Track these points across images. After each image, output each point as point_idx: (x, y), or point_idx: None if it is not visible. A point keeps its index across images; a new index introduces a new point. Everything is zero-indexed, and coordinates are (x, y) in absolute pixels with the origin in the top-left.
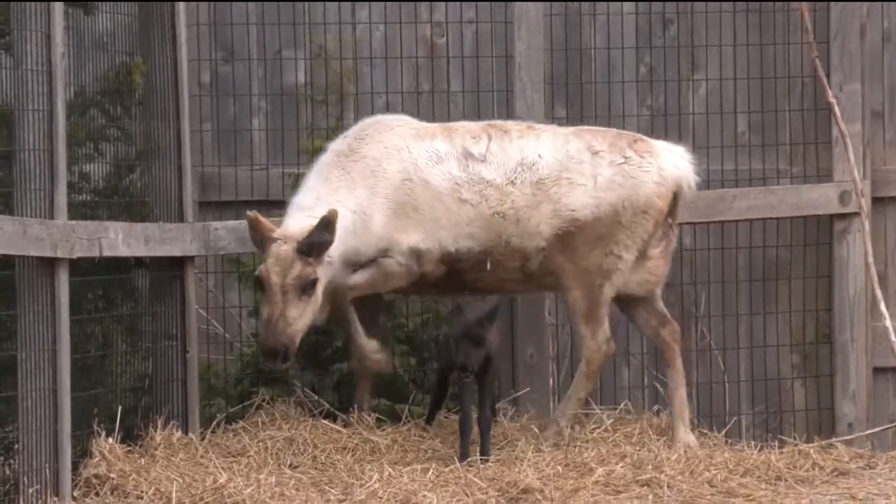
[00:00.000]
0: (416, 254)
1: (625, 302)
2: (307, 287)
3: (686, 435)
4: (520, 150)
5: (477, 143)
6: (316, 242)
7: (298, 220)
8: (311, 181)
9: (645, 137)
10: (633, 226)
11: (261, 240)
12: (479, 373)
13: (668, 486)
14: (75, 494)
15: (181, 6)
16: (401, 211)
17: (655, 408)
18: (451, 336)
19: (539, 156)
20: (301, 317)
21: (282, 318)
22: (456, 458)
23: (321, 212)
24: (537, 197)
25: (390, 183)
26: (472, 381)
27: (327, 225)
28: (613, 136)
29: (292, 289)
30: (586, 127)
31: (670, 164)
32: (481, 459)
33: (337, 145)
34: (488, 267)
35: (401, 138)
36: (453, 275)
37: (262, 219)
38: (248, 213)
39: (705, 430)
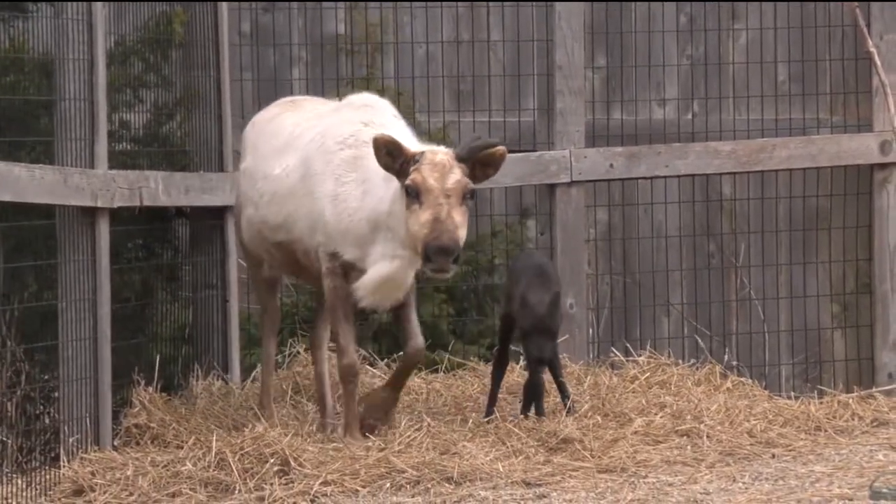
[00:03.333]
0: None
1: None
2: (466, 196)
3: None
4: None
5: None
6: (476, 147)
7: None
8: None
9: None
10: None
11: (401, 161)
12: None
13: (708, 437)
14: (116, 443)
15: None
16: None
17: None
18: (522, 329)
19: None
20: (463, 225)
21: (449, 218)
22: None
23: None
24: None
25: None
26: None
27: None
28: None
29: (454, 193)
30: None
31: None
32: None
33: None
34: None
35: None
36: None
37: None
38: (379, 135)
39: (745, 380)
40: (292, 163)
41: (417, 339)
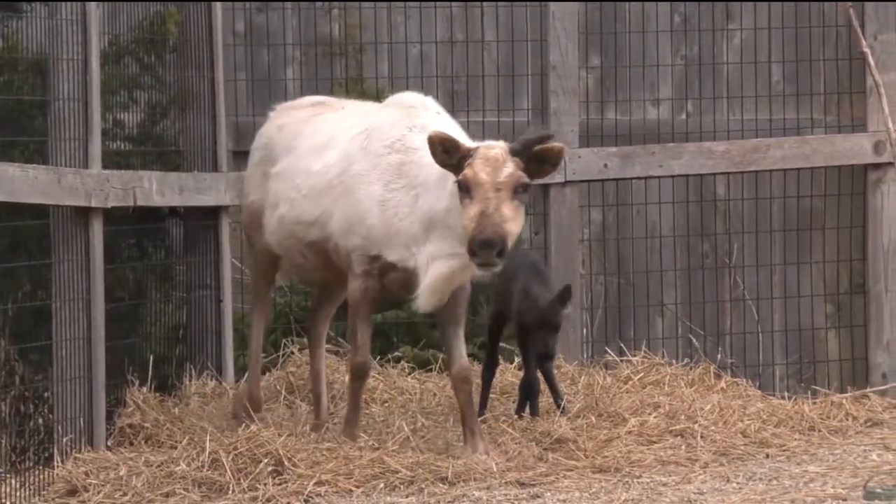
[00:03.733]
0: None
1: None
2: (519, 189)
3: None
4: None
5: None
6: (530, 141)
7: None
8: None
9: None
10: None
11: (458, 157)
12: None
13: (702, 437)
14: (109, 444)
15: None
16: None
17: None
18: (524, 324)
19: None
20: (514, 219)
21: (497, 212)
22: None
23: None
24: None
25: None
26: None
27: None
28: None
29: (505, 187)
30: None
31: None
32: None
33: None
34: None
35: None
36: None
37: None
38: (435, 132)
39: (739, 380)
40: (332, 159)
41: (461, 362)
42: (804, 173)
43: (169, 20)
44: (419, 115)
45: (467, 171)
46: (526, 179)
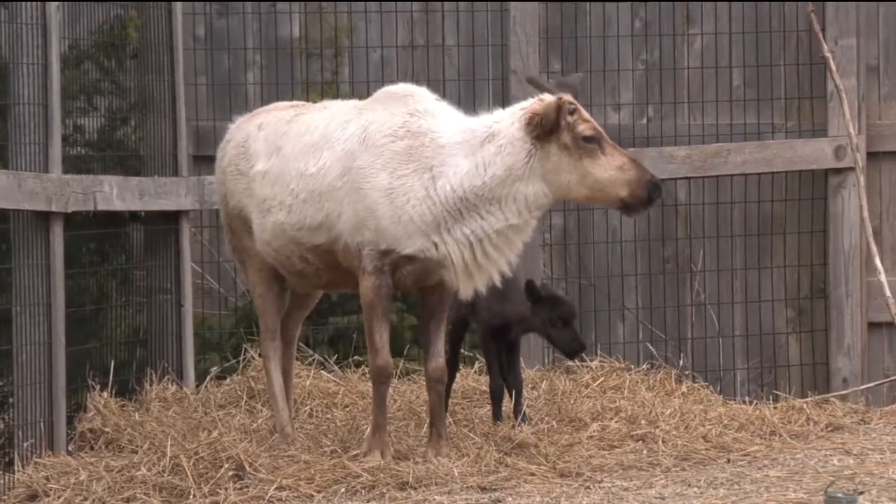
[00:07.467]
0: None
1: None
2: None
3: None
4: None
5: None
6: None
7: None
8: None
9: None
10: None
11: (555, 115)
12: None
13: (663, 441)
14: (70, 448)
15: None
16: None
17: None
18: (554, 321)
19: None
20: None
21: None
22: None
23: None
24: None
25: None
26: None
27: None
28: None
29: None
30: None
31: None
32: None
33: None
34: None
35: None
36: None
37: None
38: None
39: (700, 384)
40: (329, 160)
41: (438, 360)
42: (765, 178)
43: (129, 24)
44: (418, 101)
45: (592, 124)
46: None
